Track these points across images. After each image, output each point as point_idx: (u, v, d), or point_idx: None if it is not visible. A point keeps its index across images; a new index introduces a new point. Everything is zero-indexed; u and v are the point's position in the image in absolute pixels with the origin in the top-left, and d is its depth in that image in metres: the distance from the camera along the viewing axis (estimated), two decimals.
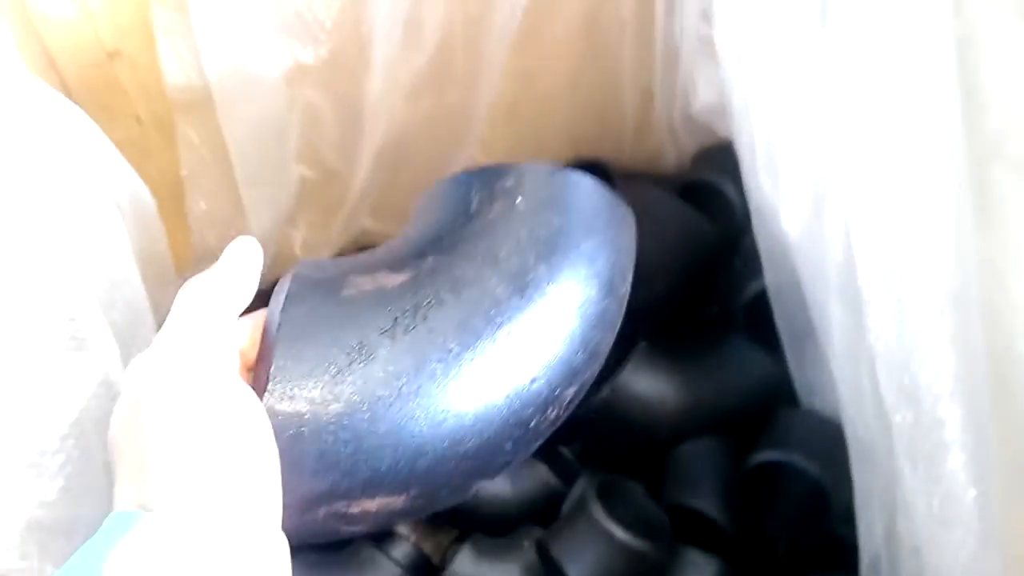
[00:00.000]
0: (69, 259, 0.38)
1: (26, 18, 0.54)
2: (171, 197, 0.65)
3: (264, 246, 0.63)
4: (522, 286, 0.34)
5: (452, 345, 0.33)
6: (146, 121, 0.62)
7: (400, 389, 0.32)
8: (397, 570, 0.50)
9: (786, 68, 0.42)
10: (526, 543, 0.50)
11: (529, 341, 0.34)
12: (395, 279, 0.34)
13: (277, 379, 0.31)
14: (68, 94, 0.51)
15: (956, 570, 0.34)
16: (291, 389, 0.31)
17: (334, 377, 0.32)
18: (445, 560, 0.53)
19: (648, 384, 0.51)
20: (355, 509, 0.32)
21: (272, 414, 0.30)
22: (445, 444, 0.33)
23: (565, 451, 0.55)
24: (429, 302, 0.33)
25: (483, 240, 0.35)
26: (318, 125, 0.58)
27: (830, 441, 0.43)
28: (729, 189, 0.55)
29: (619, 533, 0.46)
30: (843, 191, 0.37)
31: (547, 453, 0.55)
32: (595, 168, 0.65)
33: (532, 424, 0.34)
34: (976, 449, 0.33)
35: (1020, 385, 0.34)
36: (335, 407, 0.31)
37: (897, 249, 0.35)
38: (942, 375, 0.34)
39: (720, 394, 0.52)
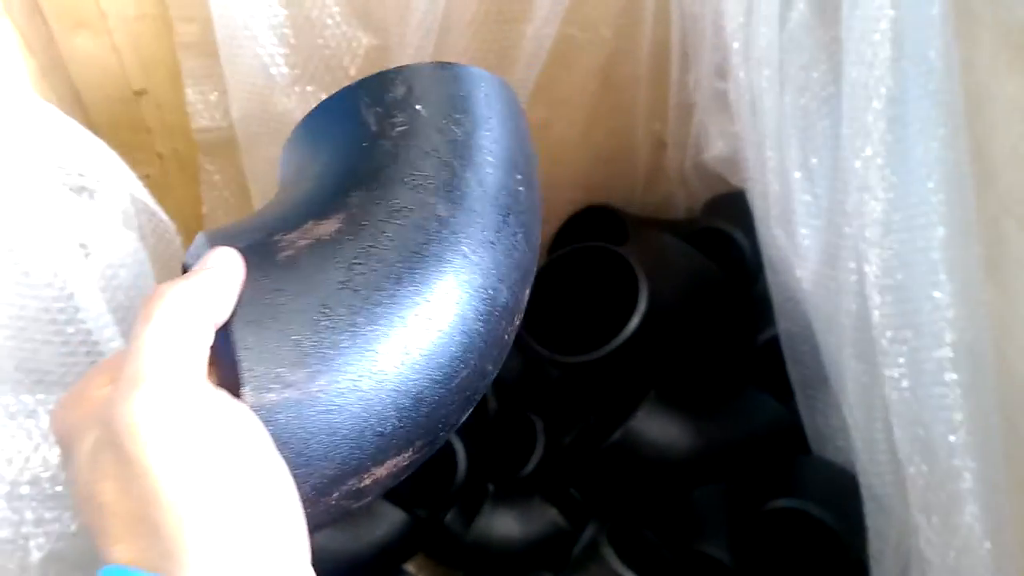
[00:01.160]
0: (95, 293, 0.39)
1: (55, 53, 0.55)
2: (188, 234, 0.66)
3: None
4: (458, 197, 0.33)
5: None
6: (168, 158, 0.63)
7: (380, 341, 0.30)
8: None
9: (798, 121, 0.43)
10: None
11: (481, 252, 0.33)
12: (328, 226, 0.32)
13: (249, 372, 0.28)
14: (92, 129, 0.52)
15: None
16: (267, 379, 0.28)
17: (307, 349, 0.29)
18: None
19: (659, 429, 0.51)
20: (367, 481, 0.30)
21: (259, 411, 0.27)
22: (440, 384, 0.31)
23: (575, 494, 0.56)
24: (375, 241, 0.31)
25: (401, 159, 0.34)
26: None
27: (844, 490, 0.43)
28: (740, 237, 0.57)
29: None
30: (856, 243, 0.38)
31: (557, 495, 0.55)
32: (607, 213, 0.67)
33: (506, 338, 0.34)
34: (991, 501, 0.34)
35: None
36: (321, 380, 0.29)
37: (911, 301, 0.36)
38: (956, 427, 0.34)
39: (731, 440, 0.52)
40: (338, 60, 0.55)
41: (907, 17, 0.36)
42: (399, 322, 0.31)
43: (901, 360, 0.36)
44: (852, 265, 0.39)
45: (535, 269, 0.37)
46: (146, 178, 0.52)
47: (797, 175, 0.43)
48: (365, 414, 0.29)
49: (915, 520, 0.36)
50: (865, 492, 0.41)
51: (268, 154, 0.57)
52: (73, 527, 0.37)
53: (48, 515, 0.36)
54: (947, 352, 0.34)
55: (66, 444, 0.26)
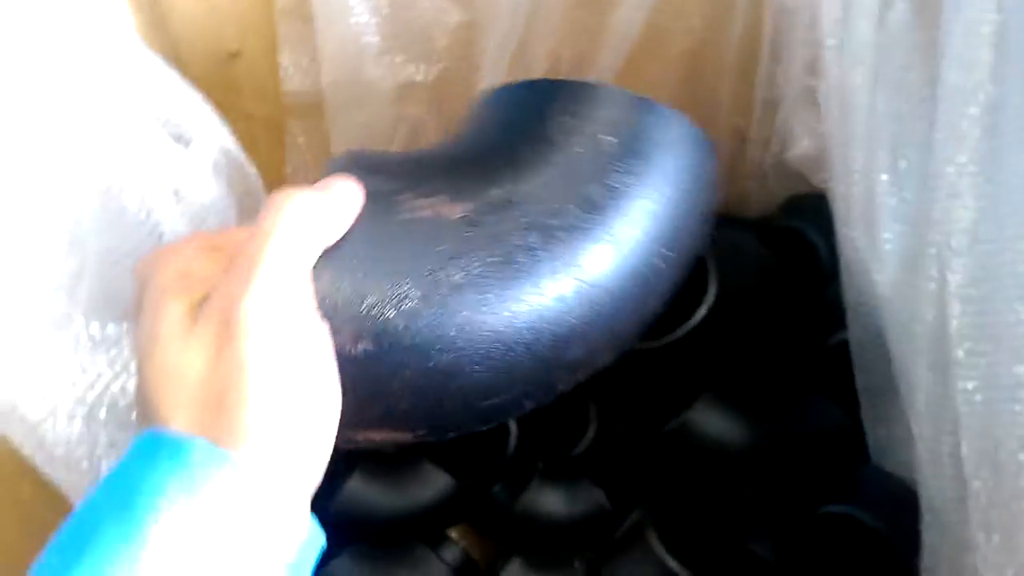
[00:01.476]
0: (183, 230, 0.41)
1: (159, 10, 0.58)
2: (271, 192, 0.68)
3: None
4: (582, 245, 0.33)
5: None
6: (256, 119, 0.65)
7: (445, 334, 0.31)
8: (447, 571, 0.50)
9: (890, 123, 0.42)
10: (576, 563, 0.51)
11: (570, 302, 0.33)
12: (453, 209, 0.33)
13: (323, 307, 0.30)
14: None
15: None
16: (336, 316, 0.30)
17: (368, 314, 0.31)
18: (494, 570, 0.53)
19: (716, 423, 0.51)
20: (359, 438, 0.33)
21: None
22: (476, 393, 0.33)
23: (623, 479, 0.56)
24: (486, 247, 0.32)
25: (554, 185, 0.34)
26: (419, 141, 0.61)
27: (902, 502, 0.43)
28: (816, 238, 0.55)
29: (673, 565, 0.46)
30: (940, 251, 0.37)
31: (605, 478, 0.55)
32: None
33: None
34: None
35: None
36: (363, 345, 0.30)
37: (993, 314, 0.35)
38: None
39: (788, 442, 0.51)
40: (428, 32, 0.56)
41: (1011, 22, 0.35)
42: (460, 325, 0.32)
43: (976, 373, 0.35)
44: (934, 273, 0.38)
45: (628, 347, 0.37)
46: (234, 137, 0.54)
47: (884, 177, 0.42)
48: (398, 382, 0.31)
49: (974, 538, 0.35)
50: (924, 505, 0.40)
51: (353, 120, 0.58)
52: None
53: (121, 440, 0.38)
54: None
55: (153, 299, 0.28)
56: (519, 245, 0.33)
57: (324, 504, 0.47)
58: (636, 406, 0.55)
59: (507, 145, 0.36)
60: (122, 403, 0.38)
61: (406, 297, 0.31)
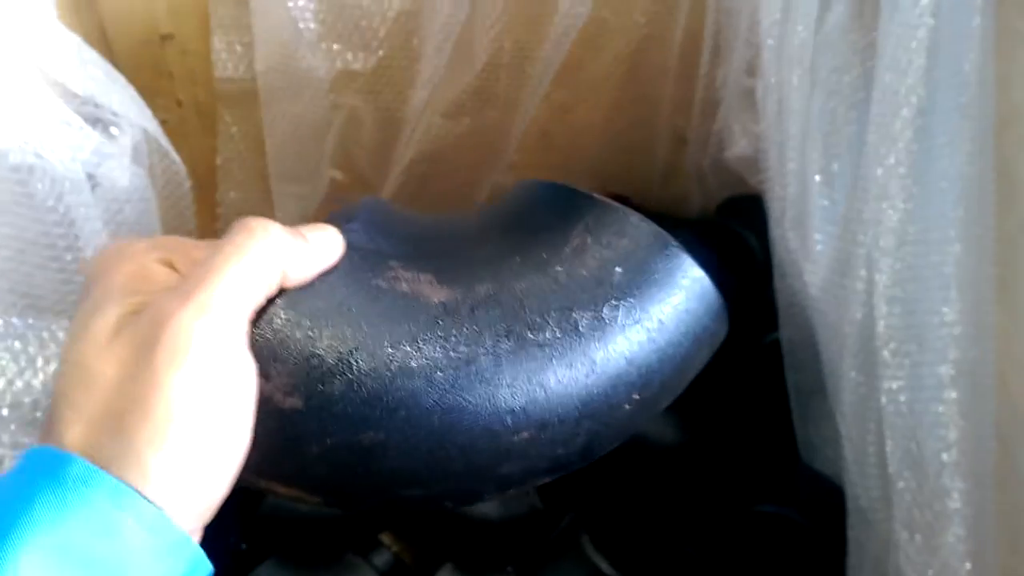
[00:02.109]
0: (97, 225, 0.39)
1: None
2: (200, 184, 0.66)
3: None
4: (554, 364, 0.31)
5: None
6: (187, 106, 0.63)
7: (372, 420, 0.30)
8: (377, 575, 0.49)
9: (825, 125, 0.42)
10: (509, 567, 0.50)
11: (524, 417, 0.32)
12: (437, 294, 0.32)
13: (257, 342, 0.29)
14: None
15: None
16: (266, 357, 0.29)
17: (308, 370, 0.29)
18: (426, 574, 0.52)
19: (648, 424, 0.51)
20: (263, 486, 0.31)
21: None
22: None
23: (557, 481, 0.55)
24: (452, 344, 0.31)
25: (552, 299, 0.32)
26: (356, 131, 0.59)
27: (829, 500, 0.43)
28: (752, 239, 0.56)
29: (606, 568, 0.46)
30: (869, 252, 0.38)
31: None
32: (620, 203, 0.66)
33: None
34: (976, 523, 0.33)
35: None
36: (293, 400, 0.29)
37: (918, 315, 0.35)
38: (950, 446, 0.34)
39: (720, 441, 0.52)
40: (368, 21, 0.54)
41: (946, 28, 0.36)
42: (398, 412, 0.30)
43: (901, 373, 0.36)
44: (863, 274, 0.38)
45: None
46: (163, 123, 0.52)
47: (817, 179, 0.42)
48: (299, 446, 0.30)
49: (897, 536, 0.35)
50: (850, 504, 0.41)
51: (287, 109, 0.57)
52: None
53: (25, 440, 0.36)
54: (949, 369, 0.34)
55: (95, 299, 0.26)
56: (487, 349, 0.31)
57: None
58: None
59: (517, 241, 0.35)
60: (27, 400, 0.36)
61: (353, 365, 0.30)
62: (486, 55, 0.54)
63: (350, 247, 0.32)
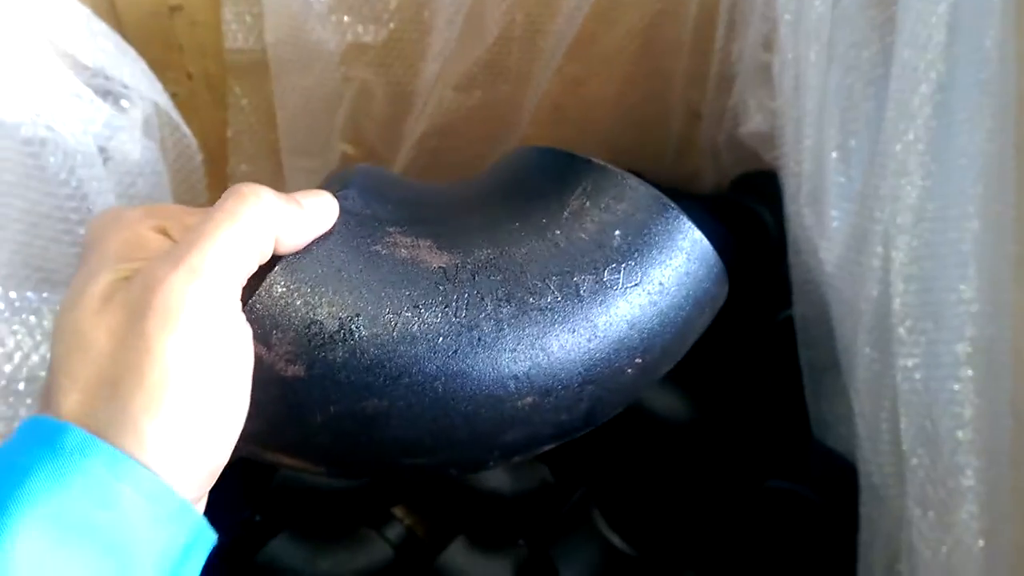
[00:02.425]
0: (109, 198, 0.39)
1: None
2: (211, 157, 0.66)
3: None
4: (551, 329, 0.31)
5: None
6: (197, 78, 0.63)
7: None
8: (390, 550, 0.50)
9: (842, 101, 0.42)
10: (521, 540, 0.51)
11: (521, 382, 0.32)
12: (436, 259, 0.32)
13: (256, 311, 0.29)
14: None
15: None
16: (267, 325, 0.28)
17: (309, 337, 0.29)
18: (438, 548, 0.53)
19: (661, 399, 0.51)
20: (269, 457, 0.31)
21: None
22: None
23: (567, 456, 0.55)
24: (451, 306, 0.31)
25: (552, 264, 0.32)
26: (367, 104, 0.59)
27: (841, 476, 0.43)
28: (766, 214, 0.56)
29: (616, 542, 0.46)
30: (886, 229, 0.37)
31: (550, 455, 0.55)
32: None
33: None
34: (990, 500, 0.33)
35: None
36: (295, 369, 0.29)
37: (935, 292, 0.35)
38: (964, 423, 0.34)
39: (733, 417, 0.52)
40: None
41: (966, 3, 0.35)
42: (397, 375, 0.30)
43: (917, 351, 0.35)
44: (879, 251, 0.38)
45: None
46: (174, 96, 0.51)
47: (834, 155, 0.42)
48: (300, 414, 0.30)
49: (911, 513, 0.35)
50: (863, 481, 0.41)
51: (298, 82, 0.56)
52: None
53: None
54: (966, 347, 0.34)
55: (91, 265, 0.26)
56: (488, 314, 0.31)
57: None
58: None
59: (515, 207, 0.34)
60: (42, 374, 0.36)
61: (355, 332, 0.29)
62: (498, 28, 0.53)
63: (346, 213, 0.31)
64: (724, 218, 0.56)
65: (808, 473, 0.46)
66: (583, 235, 0.33)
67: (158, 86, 0.45)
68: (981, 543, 0.33)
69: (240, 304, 0.27)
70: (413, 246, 0.32)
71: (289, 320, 0.29)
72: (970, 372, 0.34)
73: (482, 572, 0.50)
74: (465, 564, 0.50)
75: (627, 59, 0.59)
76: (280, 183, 0.63)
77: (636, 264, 0.33)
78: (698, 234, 0.35)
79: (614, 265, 0.33)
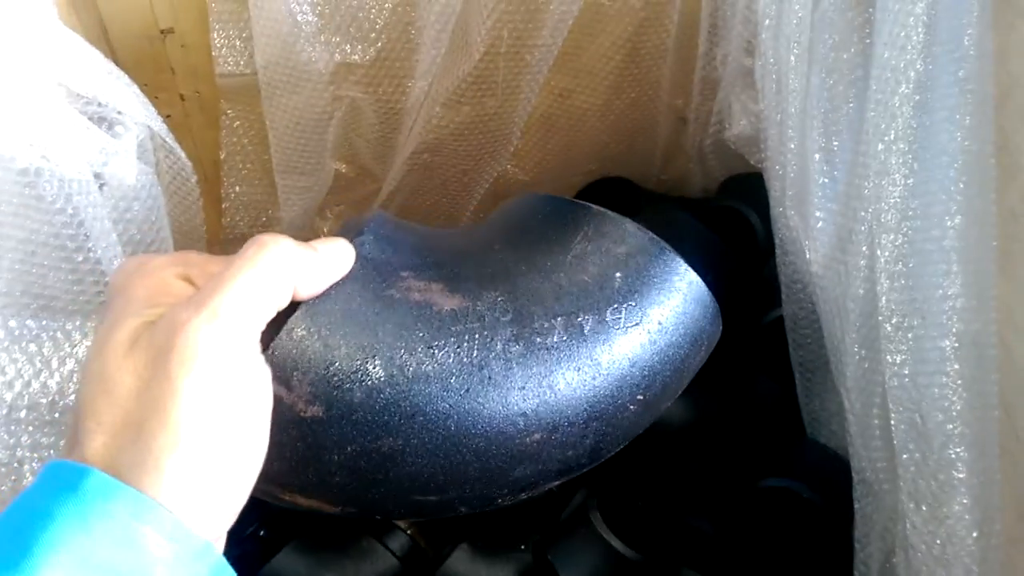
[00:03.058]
0: (106, 224, 0.39)
1: None
2: (205, 177, 0.66)
3: (293, 234, 0.65)
4: (582, 364, 0.33)
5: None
6: (189, 100, 0.63)
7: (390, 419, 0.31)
8: (394, 561, 0.50)
9: (823, 103, 0.42)
10: (522, 546, 0.51)
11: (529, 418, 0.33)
12: (448, 300, 0.33)
13: (278, 354, 0.30)
14: (116, 65, 0.53)
15: None
16: (287, 367, 0.30)
17: (328, 378, 0.30)
18: (441, 557, 0.53)
19: None
20: (286, 498, 0.32)
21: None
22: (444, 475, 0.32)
23: None
24: (459, 348, 0.32)
25: (567, 299, 0.34)
26: (358, 122, 0.60)
27: (836, 473, 0.44)
28: (754, 217, 0.56)
29: (617, 544, 0.47)
30: (871, 228, 0.38)
31: None
32: (622, 186, 0.66)
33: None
34: (982, 492, 0.33)
35: None
36: (315, 409, 0.30)
37: (920, 289, 0.35)
38: (954, 417, 0.34)
39: (727, 417, 0.52)
40: (365, 13, 0.55)
41: (943, 2, 0.36)
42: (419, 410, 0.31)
43: (904, 347, 0.36)
44: (864, 250, 0.39)
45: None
46: (167, 119, 0.52)
47: (817, 157, 0.42)
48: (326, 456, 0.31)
49: (904, 507, 0.36)
50: (856, 476, 0.41)
51: (288, 103, 0.57)
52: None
53: (44, 440, 0.37)
54: (952, 342, 0.34)
55: (116, 310, 0.27)
56: (498, 353, 0.32)
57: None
58: None
59: (521, 251, 0.36)
60: (44, 401, 0.37)
61: (371, 372, 0.31)
62: (484, 44, 0.54)
63: (362, 259, 0.32)
64: (712, 221, 0.57)
65: (803, 470, 0.47)
66: (586, 277, 0.35)
67: (152, 111, 0.46)
68: (974, 535, 0.33)
69: (260, 347, 0.28)
70: (426, 289, 0.33)
71: (309, 362, 0.30)
72: (957, 367, 0.34)
73: None
74: (468, 572, 0.51)
75: (613, 69, 0.60)
76: (273, 203, 0.64)
77: (636, 304, 0.35)
78: (693, 275, 0.36)
79: (616, 305, 0.35)
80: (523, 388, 0.32)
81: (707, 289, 0.37)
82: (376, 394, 0.31)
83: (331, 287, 0.31)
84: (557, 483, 0.37)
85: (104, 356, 0.26)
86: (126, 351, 0.25)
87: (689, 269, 0.36)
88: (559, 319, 0.33)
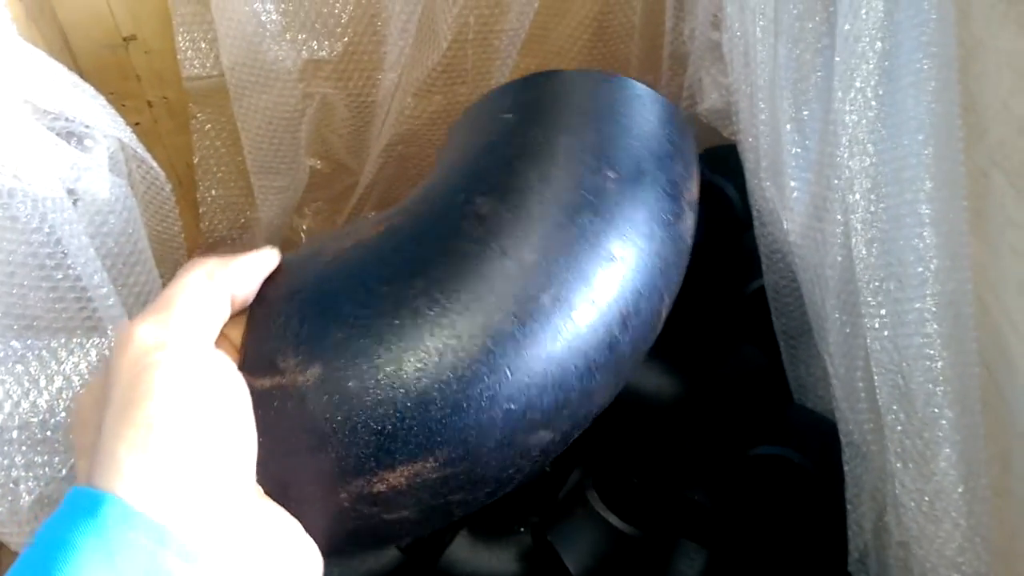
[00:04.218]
0: (83, 240, 0.39)
1: None
2: (180, 182, 0.66)
3: (272, 233, 0.64)
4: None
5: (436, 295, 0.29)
6: (157, 106, 0.63)
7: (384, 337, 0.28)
8: (397, 552, 0.51)
9: (791, 73, 0.43)
10: (522, 528, 0.52)
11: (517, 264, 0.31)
12: (372, 229, 0.33)
13: (246, 354, 0.29)
14: (80, 75, 0.52)
15: (943, 564, 0.35)
16: (265, 361, 0.29)
17: (303, 339, 0.29)
18: (441, 543, 0.54)
19: (645, 378, 0.52)
20: (380, 486, 0.29)
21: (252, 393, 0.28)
22: (454, 388, 0.28)
23: None
24: (399, 243, 0.31)
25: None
26: (330, 118, 0.59)
27: (824, 437, 0.44)
28: (730, 190, 0.57)
29: (614, 521, 0.47)
30: (844, 196, 0.38)
31: None
32: None
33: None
34: (965, 447, 0.34)
35: (1010, 386, 0.35)
36: (313, 370, 0.28)
37: (894, 253, 0.36)
38: (935, 376, 0.35)
39: (715, 389, 0.53)
40: (330, 8, 0.54)
41: None
42: (400, 323, 0.29)
43: (883, 311, 0.37)
44: (839, 218, 0.39)
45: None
46: (136, 126, 0.51)
47: (788, 127, 0.43)
48: (353, 408, 0.28)
49: (892, 466, 0.37)
50: (844, 439, 0.42)
51: (259, 103, 0.56)
52: (64, 471, 0.38)
53: (38, 459, 0.37)
54: (929, 303, 0.35)
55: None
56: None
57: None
58: None
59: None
60: (35, 420, 0.36)
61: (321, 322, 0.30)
62: (451, 32, 0.54)
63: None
64: None
65: (792, 437, 0.48)
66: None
67: (120, 121, 0.46)
68: (960, 490, 0.34)
69: (224, 356, 0.28)
70: (350, 237, 0.33)
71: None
72: (936, 327, 0.35)
73: (488, 563, 0.51)
74: (470, 557, 0.51)
75: (581, 48, 0.60)
76: (251, 204, 0.63)
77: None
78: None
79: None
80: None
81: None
82: (355, 332, 0.30)
83: None
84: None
85: (87, 390, 0.28)
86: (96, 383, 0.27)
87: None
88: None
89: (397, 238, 0.32)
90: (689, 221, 0.38)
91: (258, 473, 0.27)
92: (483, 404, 0.28)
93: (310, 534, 0.28)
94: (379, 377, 0.28)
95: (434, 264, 0.30)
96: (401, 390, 0.28)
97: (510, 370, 0.29)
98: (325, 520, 0.28)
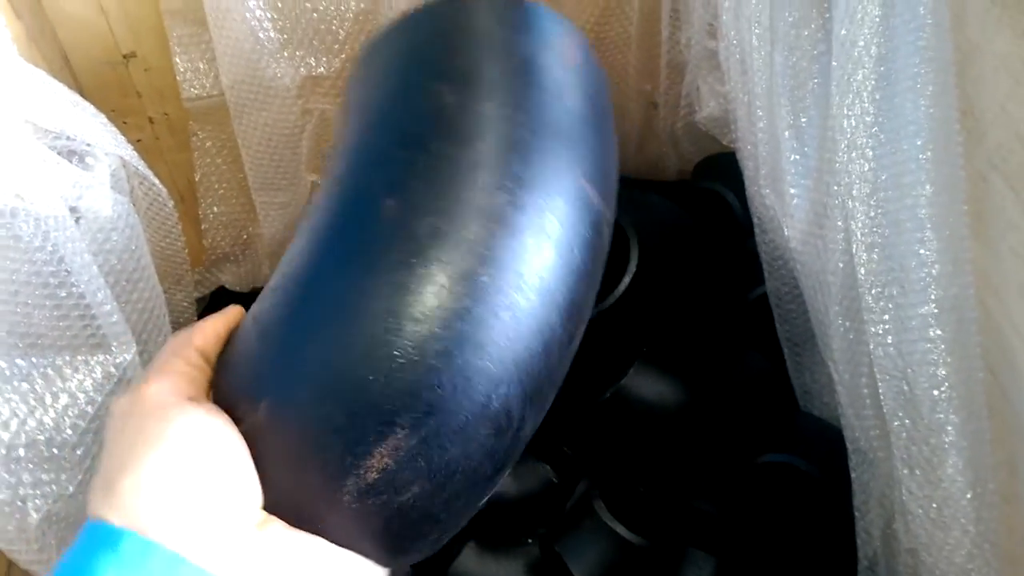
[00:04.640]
0: (86, 257, 0.39)
1: (43, 16, 0.55)
2: (181, 198, 0.66)
3: (275, 249, 0.64)
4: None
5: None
6: (158, 123, 0.63)
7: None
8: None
9: (788, 80, 0.43)
10: (529, 540, 0.51)
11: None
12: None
13: (221, 403, 0.31)
14: (81, 93, 0.52)
15: (952, 570, 0.35)
16: (232, 409, 0.30)
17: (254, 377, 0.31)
18: (449, 556, 0.53)
19: (650, 387, 0.52)
20: (372, 474, 0.28)
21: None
22: (385, 366, 0.28)
23: (567, 451, 0.56)
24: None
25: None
26: (329, 133, 0.60)
27: (831, 444, 0.44)
28: (731, 197, 0.57)
29: (622, 531, 0.47)
30: (844, 202, 0.38)
31: (549, 453, 0.56)
32: None
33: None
34: (973, 453, 0.34)
35: (1015, 390, 0.35)
36: (263, 406, 0.30)
37: (896, 258, 0.36)
38: (940, 382, 0.35)
39: (721, 397, 0.53)
40: (327, 24, 0.54)
41: None
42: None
43: (886, 317, 0.36)
44: (840, 224, 0.39)
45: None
46: (137, 143, 0.52)
47: (787, 134, 0.43)
48: (306, 422, 0.29)
49: (899, 473, 0.37)
50: (850, 446, 0.42)
51: (259, 120, 0.57)
52: (71, 488, 0.38)
53: (45, 477, 0.37)
54: (932, 308, 0.35)
55: None
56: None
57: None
58: (571, 379, 0.56)
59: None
60: (41, 438, 0.37)
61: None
62: None
63: None
64: (689, 203, 0.57)
65: (798, 444, 0.48)
66: None
67: (121, 139, 0.46)
68: (968, 496, 0.34)
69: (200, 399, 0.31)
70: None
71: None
72: (939, 332, 0.35)
73: (496, 574, 0.51)
74: (478, 568, 0.51)
75: None
76: (253, 220, 0.64)
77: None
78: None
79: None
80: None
81: None
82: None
83: None
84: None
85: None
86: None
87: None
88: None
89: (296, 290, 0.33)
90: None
91: (274, 508, 0.29)
92: (415, 360, 0.28)
93: (350, 548, 0.30)
94: (312, 387, 0.29)
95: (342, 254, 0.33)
96: (334, 388, 0.29)
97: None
98: (350, 527, 0.29)
